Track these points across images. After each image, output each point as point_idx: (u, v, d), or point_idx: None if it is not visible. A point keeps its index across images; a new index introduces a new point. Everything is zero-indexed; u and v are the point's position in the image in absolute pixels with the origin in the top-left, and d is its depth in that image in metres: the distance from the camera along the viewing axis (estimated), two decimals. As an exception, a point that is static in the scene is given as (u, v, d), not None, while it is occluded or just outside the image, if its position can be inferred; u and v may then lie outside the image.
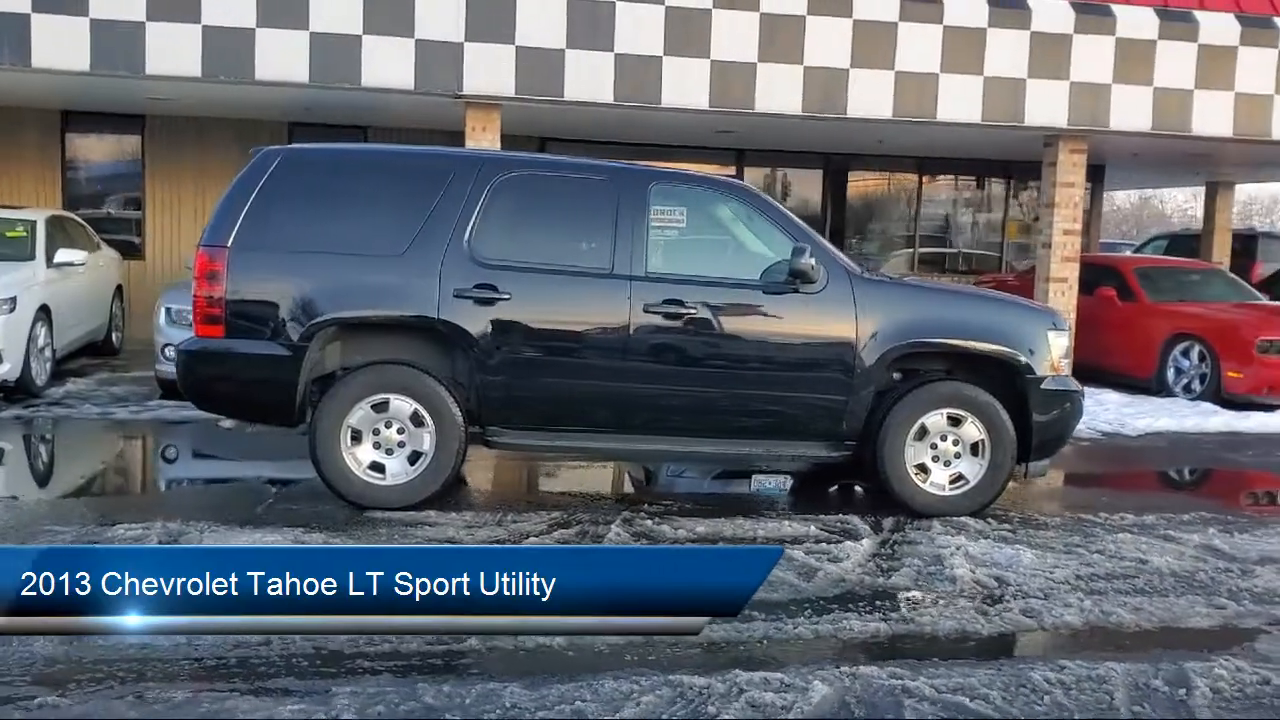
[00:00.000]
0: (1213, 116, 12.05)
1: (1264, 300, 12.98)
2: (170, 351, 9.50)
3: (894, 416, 6.46)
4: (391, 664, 4.07)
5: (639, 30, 10.81)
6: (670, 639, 4.37)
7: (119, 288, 12.67)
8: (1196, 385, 11.55)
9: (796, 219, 6.70)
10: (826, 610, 4.86)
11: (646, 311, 6.28)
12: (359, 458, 6.19)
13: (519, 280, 6.23)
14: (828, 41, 11.16)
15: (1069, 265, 12.53)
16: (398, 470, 6.22)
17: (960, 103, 11.52)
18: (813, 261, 6.29)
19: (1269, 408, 10.92)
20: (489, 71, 10.64)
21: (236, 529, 5.71)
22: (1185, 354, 11.70)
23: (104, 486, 7.30)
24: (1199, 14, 11.94)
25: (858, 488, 7.52)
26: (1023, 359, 6.55)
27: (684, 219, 6.70)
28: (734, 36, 10.98)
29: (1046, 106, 11.70)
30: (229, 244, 6.08)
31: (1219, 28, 11.95)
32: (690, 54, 10.93)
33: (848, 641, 4.52)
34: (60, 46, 10.06)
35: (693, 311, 6.32)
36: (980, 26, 11.47)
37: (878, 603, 5.00)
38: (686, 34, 10.89)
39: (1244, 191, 43.99)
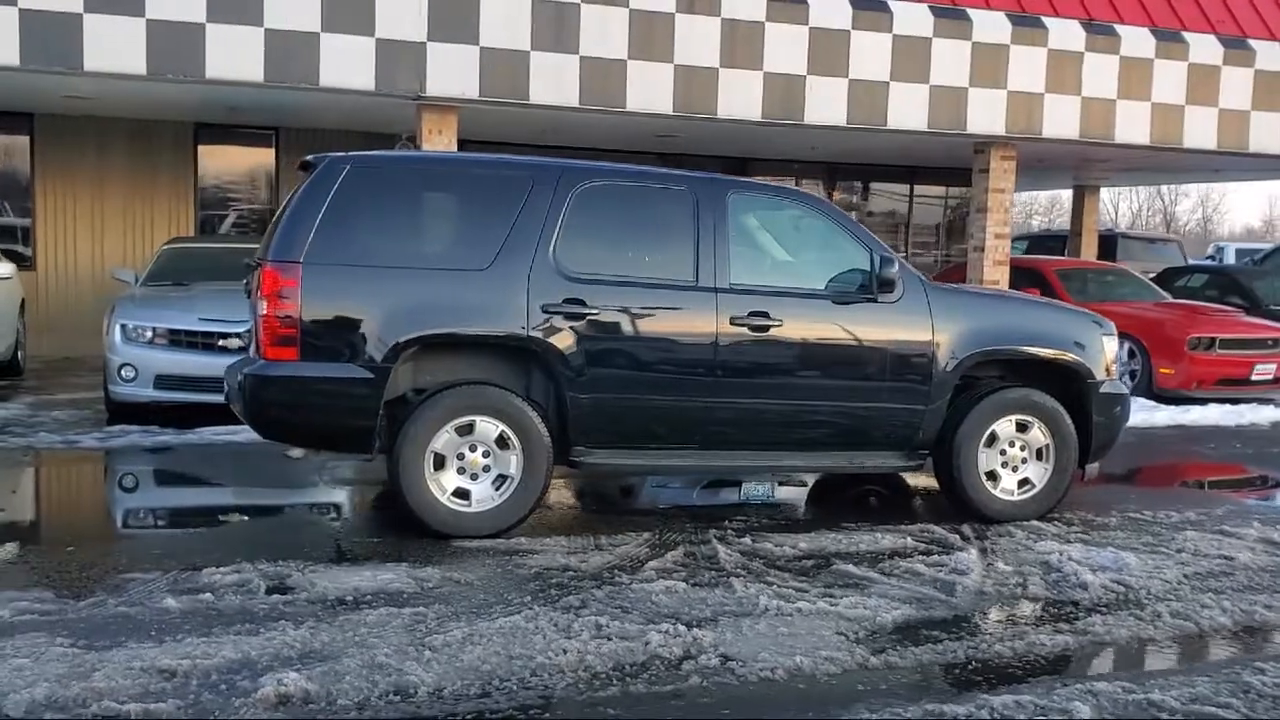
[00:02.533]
0: (1132, 125, 12.68)
1: (1169, 299, 13.74)
2: (128, 372, 8.81)
3: (968, 424, 6.52)
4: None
5: (604, 33, 10.63)
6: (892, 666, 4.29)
7: (23, 301, 11.67)
8: (1127, 381, 12.11)
9: (866, 229, 6.67)
10: (1000, 626, 4.83)
11: (733, 324, 6.14)
12: (443, 484, 5.83)
13: (607, 294, 5.99)
14: (786, 48, 11.23)
15: (1001, 268, 12.98)
16: (483, 496, 5.89)
17: (909, 110, 11.77)
18: (898, 270, 6.28)
19: (1201, 401, 11.56)
20: (452, 73, 10.27)
21: (335, 567, 5.29)
22: (1115, 352, 12.24)
23: (138, 523, 6.64)
24: (1120, 28, 12.54)
25: (873, 498, 7.54)
26: (1085, 364, 6.71)
27: (762, 229, 6.59)
28: (697, 41, 10.93)
29: (986, 114, 12.09)
30: (301, 259, 5.62)
31: (1137, 42, 12.58)
32: (654, 58, 10.81)
33: (1048, 657, 4.49)
34: (-16, 38, 9.18)
35: (777, 323, 6.21)
36: (926, 36, 11.75)
37: (1039, 614, 5.00)
38: (650, 38, 10.77)
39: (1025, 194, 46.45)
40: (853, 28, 11.46)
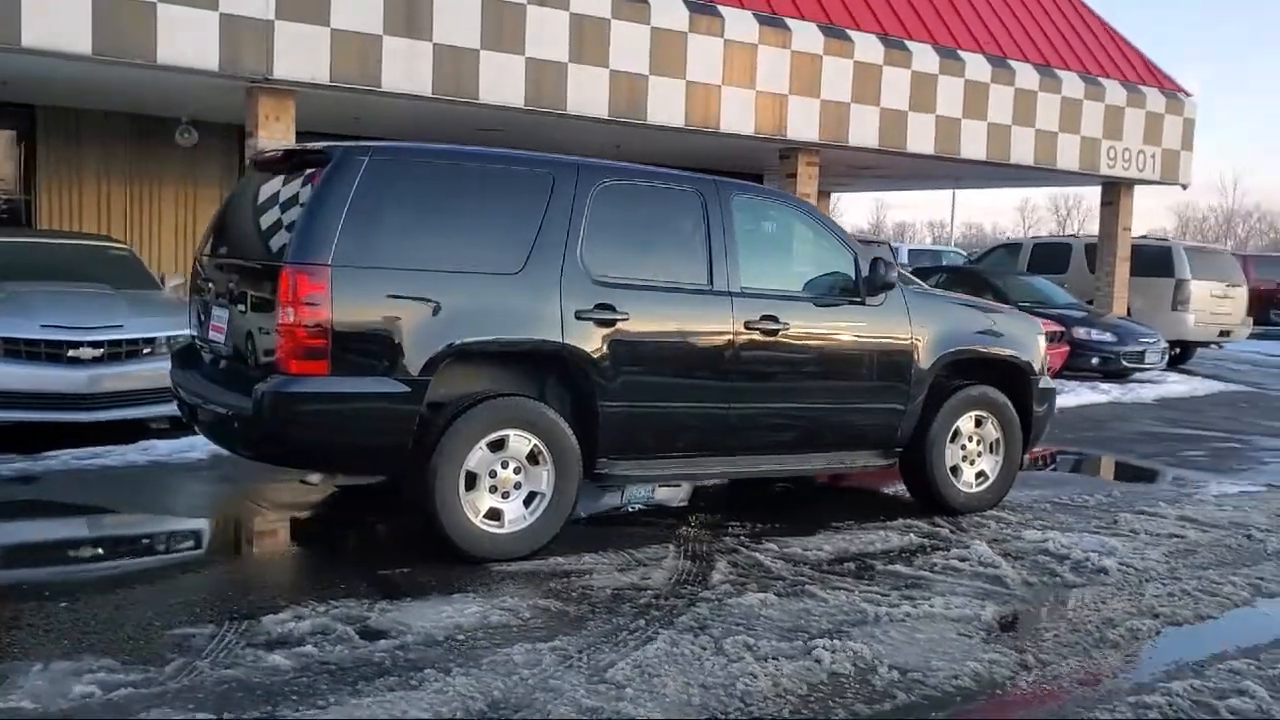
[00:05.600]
0: (920, 136, 13.60)
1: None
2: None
3: (939, 421, 6.78)
4: None
5: (456, 20, 10.15)
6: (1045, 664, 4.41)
7: None
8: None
9: (848, 233, 6.78)
10: (1084, 614, 5.05)
11: (747, 328, 6.07)
12: (476, 505, 5.38)
13: (634, 299, 5.74)
14: (630, 47, 11.17)
15: (806, 268, 13.51)
16: (515, 516, 5.49)
17: (738, 115, 12.03)
18: (896, 275, 6.43)
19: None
20: (301, 55, 9.46)
21: (403, 604, 4.77)
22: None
23: (102, 564, 5.53)
24: (910, 44, 13.41)
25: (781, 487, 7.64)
26: (1030, 361, 7.15)
27: (761, 232, 6.53)
28: (547, 34, 10.65)
29: (804, 121, 12.57)
30: (330, 261, 5.01)
31: (923, 57, 13.51)
32: (506, 49, 10.44)
33: (1155, 638, 4.78)
34: None
35: (784, 327, 6.20)
36: (752, 43, 12.06)
37: (1098, 599, 5.28)
38: (502, 28, 10.40)
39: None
40: (689, 30, 11.56)
